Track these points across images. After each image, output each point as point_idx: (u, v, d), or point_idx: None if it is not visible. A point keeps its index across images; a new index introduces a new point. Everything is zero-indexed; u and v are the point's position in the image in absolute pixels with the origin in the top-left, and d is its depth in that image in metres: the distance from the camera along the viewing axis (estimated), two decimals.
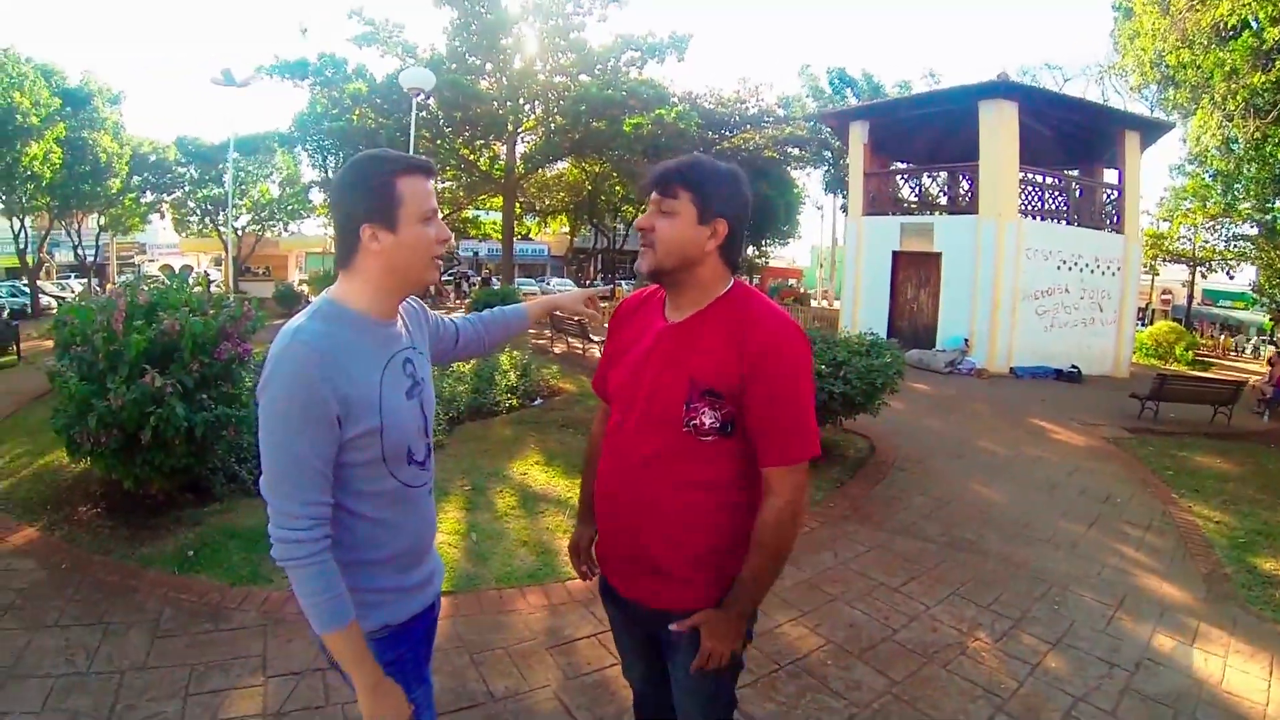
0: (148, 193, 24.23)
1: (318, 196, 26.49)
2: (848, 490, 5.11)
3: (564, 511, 4.30)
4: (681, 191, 1.31)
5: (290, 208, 26.92)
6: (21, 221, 19.12)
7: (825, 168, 28.88)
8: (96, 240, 25.92)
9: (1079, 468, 6.22)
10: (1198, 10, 9.30)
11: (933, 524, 4.49)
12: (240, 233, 25.65)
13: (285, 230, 29.06)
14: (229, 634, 2.77)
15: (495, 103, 19.50)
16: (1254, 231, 21.56)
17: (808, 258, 48.88)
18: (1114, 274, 14.08)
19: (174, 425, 3.54)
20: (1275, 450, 7.72)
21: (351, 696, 1.23)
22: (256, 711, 2.31)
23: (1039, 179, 14.31)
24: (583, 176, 28.01)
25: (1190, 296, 28.17)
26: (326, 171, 26.07)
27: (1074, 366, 12.64)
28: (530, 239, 37.13)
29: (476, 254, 34.46)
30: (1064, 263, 13.44)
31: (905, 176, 16.40)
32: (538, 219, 33.34)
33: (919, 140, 15.64)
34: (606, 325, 1.63)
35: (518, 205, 25.71)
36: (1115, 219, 14.47)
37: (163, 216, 27.23)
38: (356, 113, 19.53)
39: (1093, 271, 13.81)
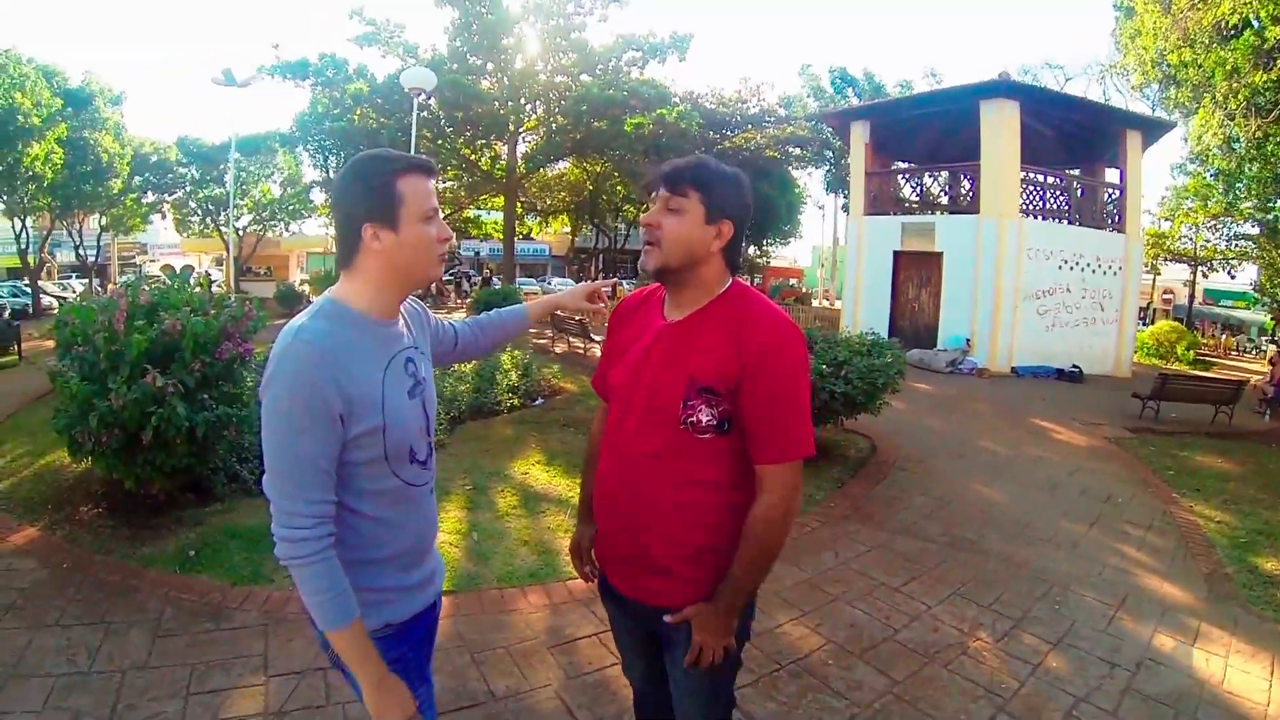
0: (149, 193, 24.26)
1: (319, 196, 26.49)
2: (849, 490, 5.11)
3: (565, 511, 4.30)
4: (691, 191, 1.32)
5: (291, 208, 26.95)
6: (23, 222, 19.15)
7: (826, 167, 28.85)
8: (98, 240, 25.97)
9: (1080, 467, 6.22)
10: (1199, 9, 9.29)
11: (934, 524, 4.49)
12: (241, 233, 25.66)
13: (286, 230, 29.11)
14: (230, 633, 2.78)
15: (496, 102, 19.51)
16: (1255, 231, 21.52)
17: (809, 257, 48.84)
18: (1115, 273, 14.07)
19: (175, 425, 3.54)
20: (1276, 450, 7.71)
21: (352, 696, 1.23)
22: (258, 711, 2.31)
23: (1040, 178, 14.30)
24: (584, 176, 28.02)
25: (1191, 296, 28.15)
26: (328, 171, 26.06)
27: (1075, 366, 12.63)
28: (531, 239, 37.14)
29: (478, 253, 34.46)
30: (1065, 262, 13.42)
31: (906, 176, 16.38)
32: (539, 219, 33.35)
33: (920, 140, 15.62)
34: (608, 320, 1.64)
35: (519, 205, 25.72)
36: (1117, 218, 14.46)
37: (164, 217, 27.23)
38: (358, 113, 19.55)
39: (1094, 271, 13.80)
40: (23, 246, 19.39)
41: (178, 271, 17.34)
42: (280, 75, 20.06)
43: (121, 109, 20.85)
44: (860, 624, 3.12)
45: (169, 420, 3.52)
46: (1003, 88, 12.83)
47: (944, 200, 15.87)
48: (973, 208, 13.54)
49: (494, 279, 26.45)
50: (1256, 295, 23.82)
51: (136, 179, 22.58)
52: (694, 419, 1.30)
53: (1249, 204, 19.22)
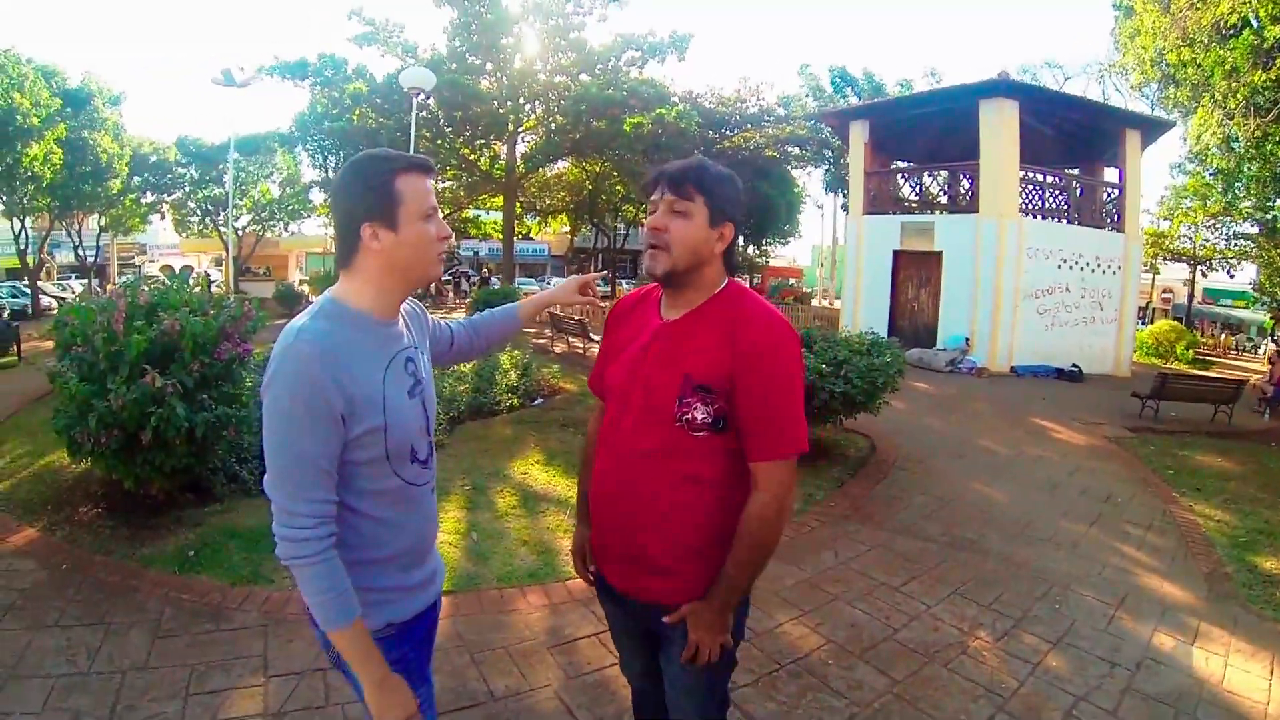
0: (148, 193, 24.21)
1: (318, 196, 26.47)
2: (849, 489, 5.11)
3: (564, 511, 4.30)
4: (696, 194, 1.33)
5: (291, 208, 26.92)
6: (22, 222, 19.13)
7: (826, 167, 28.83)
8: (97, 241, 25.92)
9: (1080, 467, 6.22)
10: (1198, 8, 9.29)
11: (934, 523, 4.49)
12: (241, 233, 25.65)
13: (286, 230, 29.07)
14: (230, 634, 2.78)
15: (495, 102, 19.49)
16: (1254, 230, 21.52)
17: (808, 257, 48.85)
18: (1115, 273, 14.07)
19: (174, 425, 3.54)
20: (1276, 449, 7.72)
21: (352, 696, 1.23)
22: (257, 711, 2.31)
23: (1040, 178, 14.30)
24: (583, 176, 27.99)
25: (1191, 295, 28.14)
26: (327, 171, 26.05)
27: (1075, 365, 12.63)
28: (531, 238, 37.11)
29: (477, 253, 34.46)
30: (1065, 261, 13.42)
31: (906, 175, 16.38)
32: (538, 218, 33.30)
33: (920, 139, 15.61)
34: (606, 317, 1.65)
35: (518, 205, 25.69)
36: (1116, 218, 14.46)
37: (163, 217, 27.19)
38: (357, 113, 19.53)
39: (1093, 270, 13.80)
40: (22, 247, 19.38)
41: (177, 272, 17.37)
42: (279, 75, 20.06)
43: (121, 109, 20.83)
44: (860, 623, 3.12)
45: (168, 420, 3.52)
46: (1002, 87, 12.83)
47: (943, 200, 15.87)
48: (972, 207, 13.54)
49: (493, 279, 26.44)
50: (1256, 294, 23.81)
51: (135, 179, 22.55)
52: (689, 417, 1.31)
53: (1248, 203, 19.22)
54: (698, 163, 1.36)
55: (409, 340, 1.31)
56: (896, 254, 14.53)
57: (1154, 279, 29.39)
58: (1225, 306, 32.28)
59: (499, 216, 27.02)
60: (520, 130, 21.14)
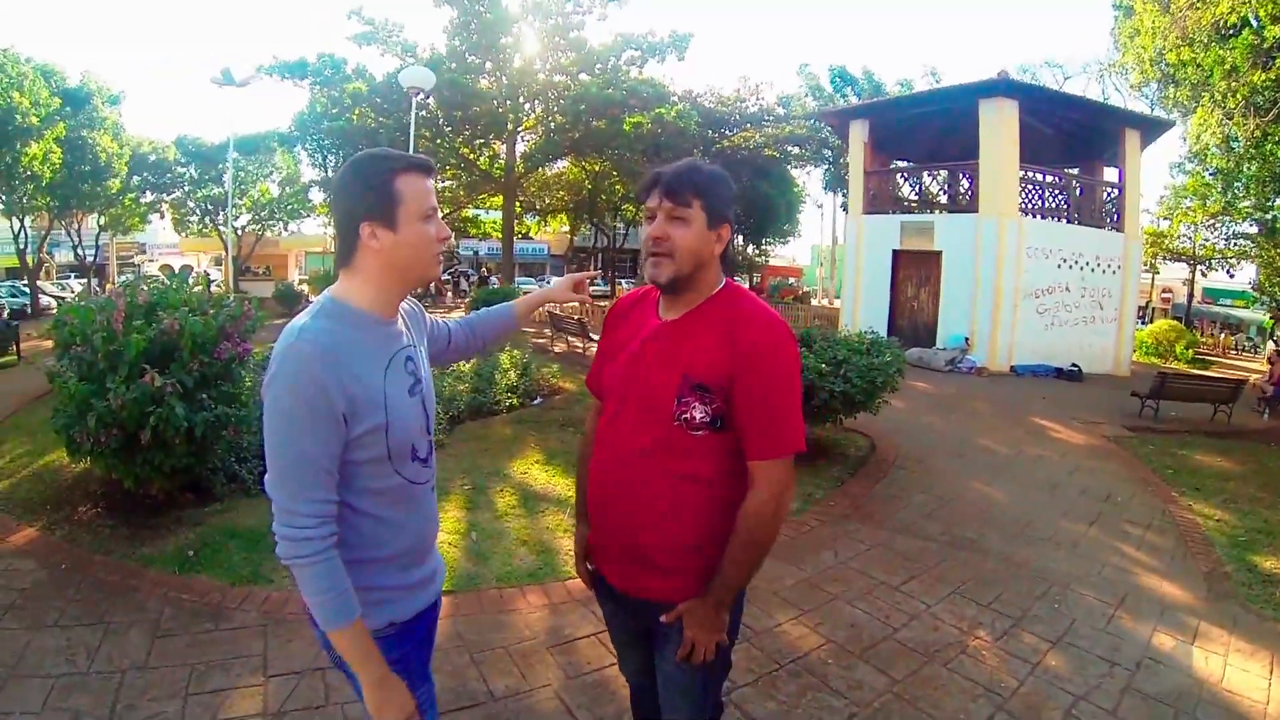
0: (147, 193, 24.22)
1: (317, 196, 26.45)
2: (848, 489, 5.11)
3: (564, 511, 4.30)
4: (694, 199, 1.33)
5: (290, 207, 26.90)
6: (21, 221, 19.13)
7: (825, 166, 28.84)
8: (96, 240, 25.92)
9: (1080, 466, 6.22)
10: (1198, 8, 9.29)
11: (933, 523, 4.49)
12: (240, 232, 25.63)
13: (285, 230, 29.02)
14: (229, 634, 2.78)
15: (495, 102, 19.49)
16: (1254, 230, 21.53)
17: (808, 256, 48.89)
18: (1114, 272, 14.07)
19: (174, 425, 3.54)
20: (1276, 449, 7.72)
21: (351, 696, 1.23)
22: (257, 711, 2.31)
23: (1039, 177, 14.29)
24: (583, 175, 27.98)
25: (1190, 295, 28.14)
26: (326, 171, 26.04)
27: (1074, 365, 12.63)
28: (530, 238, 37.09)
29: (477, 253, 34.44)
30: (1064, 261, 13.43)
31: (905, 175, 16.37)
32: (538, 218, 33.29)
33: (919, 139, 15.62)
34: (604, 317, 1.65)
35: (518, 204, 25.67)
36: (1115, 217, 14.46)
37: (162, 216, 27.19)
38: (356, 112, 19.52)
39: (1093, 270, 13.80)
40: (21, 246, 19.37)
41: (176, 271, 17.34)
42: (279, 75, 20.04)
43: (120, 108, 20.85)
44: (860, 623, 3.12)
45: (167, 420, 3.51)
46: (1002, 87, 12.83)
47: (943, 199, 15.87)
48: (972, 207, 13.54)
49: (492, 278, 26.43)
50: (1255, 294, 23.84)
51: (135, 178, 22.56)
52: (687, 416, 1.32)
53: (1247, 203, 19.24)
54: (691, 166, 1.36)
55: (408, 339, 1.31)
56: (896, 253, 14.53)
57: (1154, 279, 29.38)
58: (1225, 306, 32.28)
59: (498, 216, 27.00)
60: (520, 130, 21.13)
